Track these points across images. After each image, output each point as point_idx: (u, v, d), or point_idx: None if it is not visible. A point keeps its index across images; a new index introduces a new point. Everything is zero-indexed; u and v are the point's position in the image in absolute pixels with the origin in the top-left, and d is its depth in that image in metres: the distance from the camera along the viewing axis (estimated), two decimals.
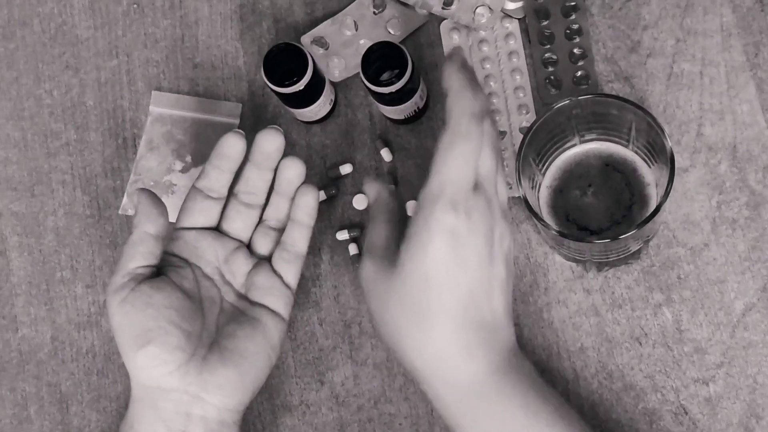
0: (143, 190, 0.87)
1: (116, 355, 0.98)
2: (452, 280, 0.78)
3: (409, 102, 0.94)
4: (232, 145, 0.89)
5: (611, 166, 0.88)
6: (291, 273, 0.91)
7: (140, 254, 0.85)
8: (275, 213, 0.92)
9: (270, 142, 0.90)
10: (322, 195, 0.97)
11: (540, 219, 0.83)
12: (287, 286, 0.90)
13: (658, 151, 0.84)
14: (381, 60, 0.92)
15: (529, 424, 0.80)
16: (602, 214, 0.87)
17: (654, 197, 0.87)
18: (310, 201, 0.90)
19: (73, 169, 1.01)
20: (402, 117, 0.96)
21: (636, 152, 0.87)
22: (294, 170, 0.90)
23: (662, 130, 0.82)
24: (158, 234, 0.86)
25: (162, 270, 0.87)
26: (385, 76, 0.93)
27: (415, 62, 0.92)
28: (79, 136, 1.02)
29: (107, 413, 0.98)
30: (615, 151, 0.88)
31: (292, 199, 0.91)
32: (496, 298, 0.80)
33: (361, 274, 0.84)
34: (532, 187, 0.87)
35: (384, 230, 0.85)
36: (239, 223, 0.91)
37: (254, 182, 0.91)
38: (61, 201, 1.01)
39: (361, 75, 0.91)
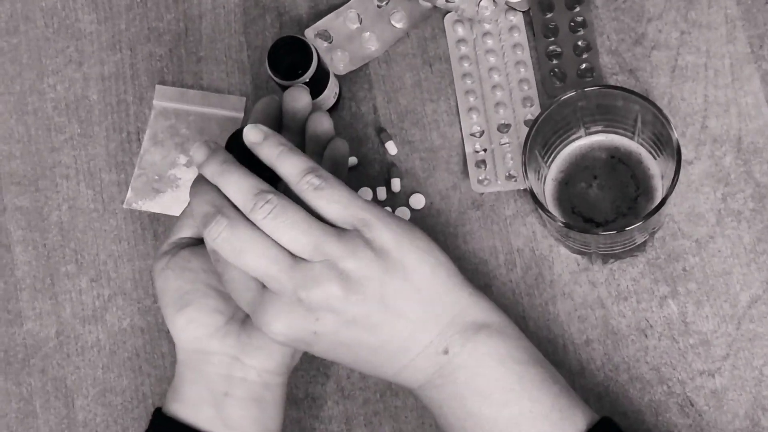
0: None
1: (121, 349, 0.98)
2: (363, 338, 0.78)
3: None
4: (267, 107, 0.88)
5: (617, 158, 0.88)
6: None
7: (189, 226, 0.87)
8: None
9: (298, 98, 0.88)
10: None
11: (546, 210, 0.83)
12: None
13: (664, 143, 0.84)
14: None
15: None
16: (608, 206, 0.87)
17: (660, 189, 0.87)
18: (339, 154, 0.87)
19: (77, 163, 1.01)
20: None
21: (641, 144, 0.87)
22: (321, 126, 0.88)
23: (668, 122, 0.82)
24: None
25: None
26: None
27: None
28: (83, 131, 1.02)
29: (113, 407, 0.98)
30: (620, 143, 0.88)
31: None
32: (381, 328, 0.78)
33: None
34: (538, 179, 0.87)
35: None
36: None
37: None
38: (65, 195, 1.01)
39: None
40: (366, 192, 0.97)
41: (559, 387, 0.80)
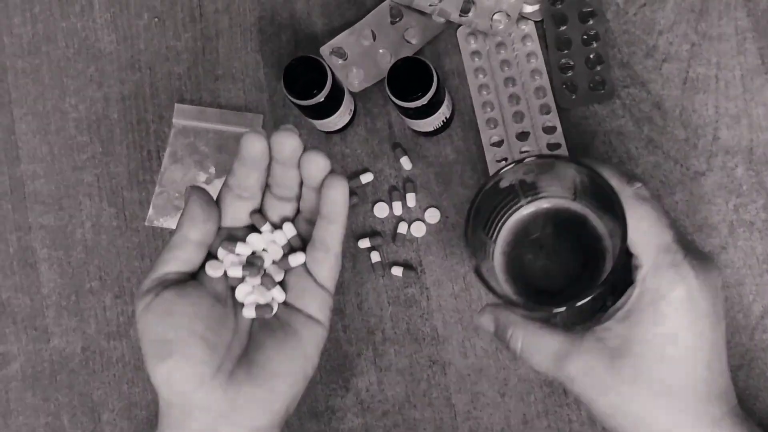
0: (194, 188, 0.80)
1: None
2: (691, 355, 0.74)
3: (435, 114, 0.94)
4: (249, 147, 0.80)
5: (560, 224, 0.82)
6: (324, 272, 0.82)
7: (175, 260, 0.79)
8: (308, 205, 0.83)
9: (283, 145, 0.80)
10: None
11: (493, 290, 0.75)
12: (321, 286, 0.82)
13: (605, 204, 0.77)
14: (406, 75, 0.92)
15: None
16: (558, 274, 0.81)
17: (609, 249, 0.80)
18: (336, 195, 0.80)
19: (99, 181, 1.03)
20: (430, 129, 0.97)
21: (585, 206, 0.82)
22: (315, 166, 0.80)
23: (606, 182, 0.75)
24: (201, 241, 0.80)
25: (196, 273, 0.81)
26: (417, 93, 0.92)
27: (439, 74, 0.93)
28: (105, 149, 1.03)
29: (138, 421, 0.99)
30: (562, 207, 0.82)
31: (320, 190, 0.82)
32: (725, 357, 0.77)
33: (569, 377, 0.77)
34: (486, 258, 0.80)
35: (548, 337, 0.78)
36: (274, 217, 0.84)
37: (281, 178, 0.82)
38: (88, 213, 1.03)
39: (388, 91, 0.92)
40: (382, 207, 0.98)
41: None
